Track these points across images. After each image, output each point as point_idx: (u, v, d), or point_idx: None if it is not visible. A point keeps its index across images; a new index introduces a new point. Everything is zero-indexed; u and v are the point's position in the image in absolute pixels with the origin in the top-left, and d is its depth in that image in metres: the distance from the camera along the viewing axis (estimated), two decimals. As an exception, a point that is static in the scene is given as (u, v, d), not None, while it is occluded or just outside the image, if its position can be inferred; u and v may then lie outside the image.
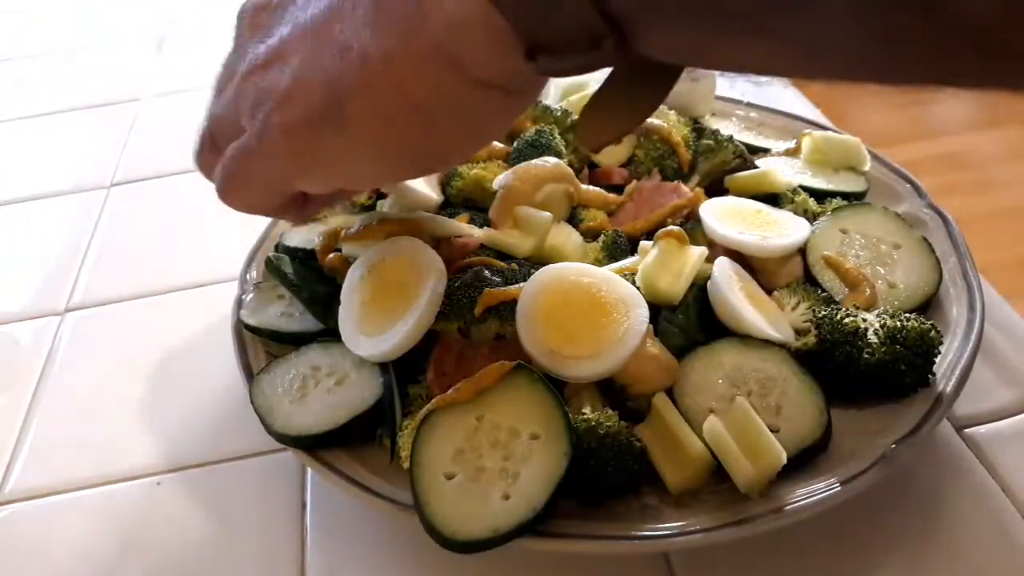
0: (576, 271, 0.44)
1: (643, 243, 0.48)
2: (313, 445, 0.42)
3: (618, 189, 0.55)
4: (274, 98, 0.33)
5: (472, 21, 0.29)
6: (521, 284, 0.44)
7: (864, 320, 0.43)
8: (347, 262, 0.48)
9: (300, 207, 0.41)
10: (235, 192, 0.38)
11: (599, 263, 0.48)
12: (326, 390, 0.44)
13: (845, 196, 0.54)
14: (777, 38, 0.24)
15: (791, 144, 0.58)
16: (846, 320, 0.42)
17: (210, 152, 0.38)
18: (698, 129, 0.58)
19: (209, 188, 0.39)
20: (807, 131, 0.58)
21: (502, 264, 0.46)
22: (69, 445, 0.50)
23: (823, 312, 0.44)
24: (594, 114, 0.32)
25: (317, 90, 0.32)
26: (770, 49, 0.25)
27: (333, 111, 0.32)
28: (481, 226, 0.50)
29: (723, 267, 0.45)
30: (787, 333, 0.44)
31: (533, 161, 0.52)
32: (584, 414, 0.39)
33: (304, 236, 0.54)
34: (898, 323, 0.42)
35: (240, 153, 0.35)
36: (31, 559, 0.44)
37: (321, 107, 0.32)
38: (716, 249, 0.48)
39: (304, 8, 0.34)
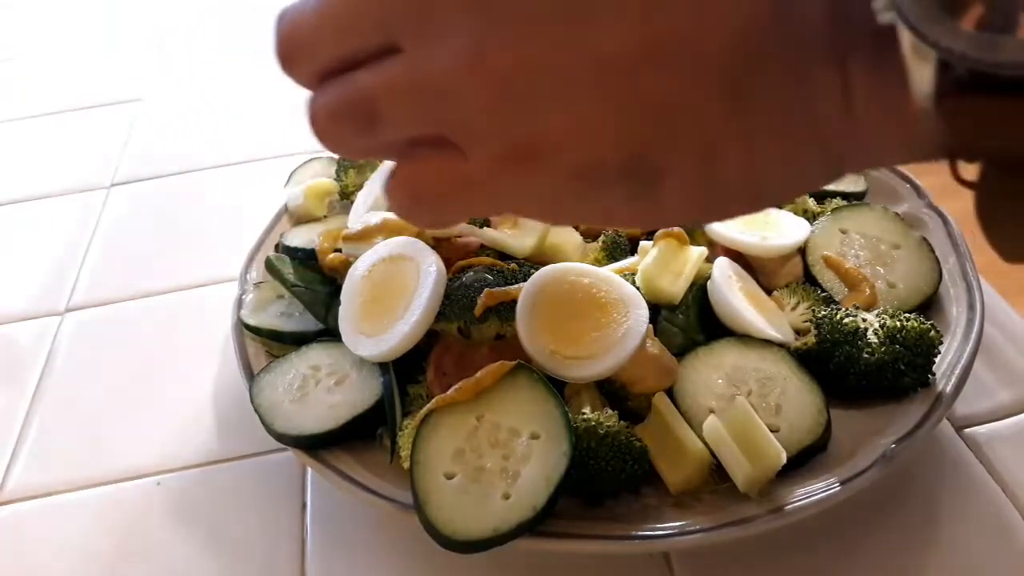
0: (576, 271, 0.44)
1: (643, 243, 0.48)
2: (313, 445, 0.42)
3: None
4: (534, 139, 0.26)
5: (892, 135, 0.23)
6: (521, 284, 0.44)
7: (864, 320, 0.43)
8: (347, 262, 0.48)
9: None
10: (439, 217, 0.31)
11: (599, 263, 0.48)
12: (326, 390, 0.44)
13: (845, 196, 0.54)
14: None
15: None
16: (846, 320, 0.42)
17: (361, 125, 0.28)
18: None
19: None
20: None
21: (502, 264, 0.46)
22: (69, 445, 0.50)
23: (823, 312, 0.44)
24: (1008, 221, 0.25)
25: (610, 147, 0.25)
26: None
27: (637, 174, 0.26)
28: (481, 226, 0.50)
29: (723, 267, 0.46)
30: (787, 333, 0.44)
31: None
32: (584, 414, 0.39)
33: (304, 236, 0.54)
34: (898, 323, 0.42)
35: (463, 185, 0.28)
36: (31, 559, 0.44)
37: (616, 169, 0.26)
38: (716, 249, 0.49)
39: (586, 21, 0.24)
